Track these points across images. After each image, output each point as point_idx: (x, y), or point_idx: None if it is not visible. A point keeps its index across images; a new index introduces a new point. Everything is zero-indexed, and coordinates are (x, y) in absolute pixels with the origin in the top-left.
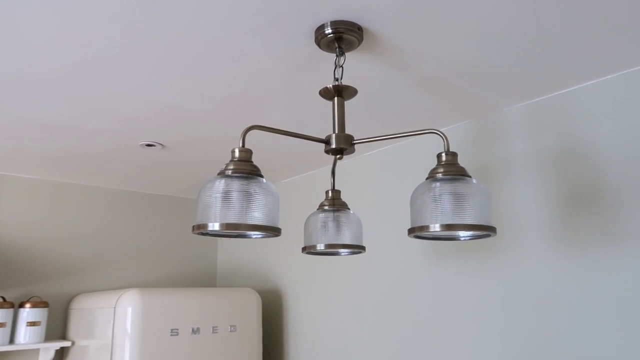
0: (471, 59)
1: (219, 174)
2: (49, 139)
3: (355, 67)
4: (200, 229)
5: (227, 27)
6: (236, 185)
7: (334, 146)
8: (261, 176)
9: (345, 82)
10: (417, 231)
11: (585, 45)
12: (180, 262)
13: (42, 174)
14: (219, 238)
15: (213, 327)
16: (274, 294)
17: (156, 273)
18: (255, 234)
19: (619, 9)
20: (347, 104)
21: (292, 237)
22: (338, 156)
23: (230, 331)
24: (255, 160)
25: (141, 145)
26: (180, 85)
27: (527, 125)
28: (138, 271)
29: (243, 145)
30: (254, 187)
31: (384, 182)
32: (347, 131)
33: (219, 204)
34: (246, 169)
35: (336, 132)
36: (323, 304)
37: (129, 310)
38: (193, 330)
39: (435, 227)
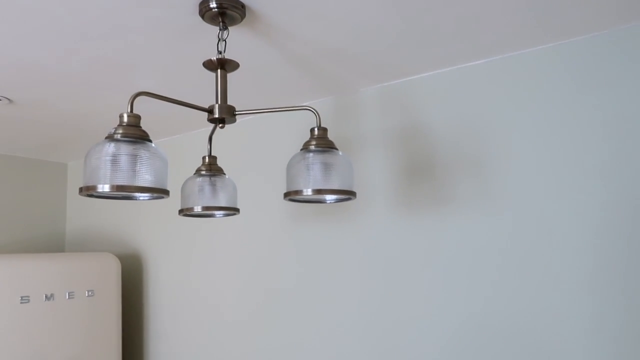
0: (336, 43)
1: (107, 137)
2: None
3: (237, 41)
4: (90, 190)
5: None
6: (125, 149)
7: (216, 116)
8: (150, 141)
9: (227, 55)
10: (292, 195)
11: (427, 42)
12: (23, 228)
13: None
14: (68, 202)
15: (69, 292)
16: (134, 258)
17: None
18: (143, 196)
19: (455, 16)
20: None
21: (155, 201)
22: (220, 125)
23: (88, 296)
24: None
25: None
26: (45, 42)
27: (378, 105)
28: None
29: (131, 111)
30: (142, 151)
31: (252, 149)
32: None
33: (108, 167)
34: (136, 133)
35: (219, 102)
36: (186, 268)
37: None
38: (46, 296)
39: (308, 192)
